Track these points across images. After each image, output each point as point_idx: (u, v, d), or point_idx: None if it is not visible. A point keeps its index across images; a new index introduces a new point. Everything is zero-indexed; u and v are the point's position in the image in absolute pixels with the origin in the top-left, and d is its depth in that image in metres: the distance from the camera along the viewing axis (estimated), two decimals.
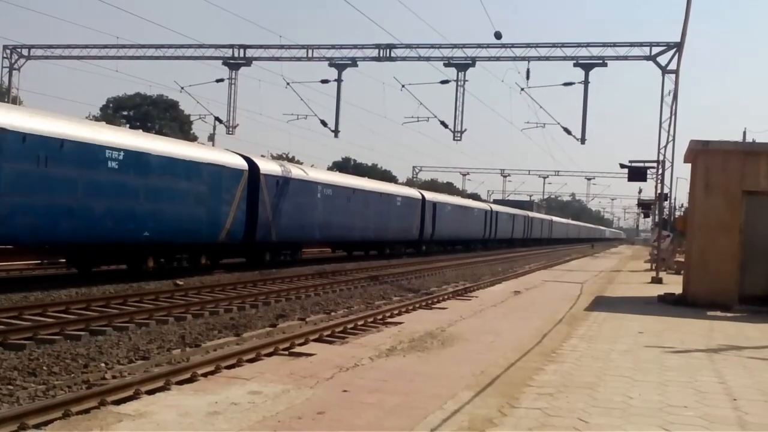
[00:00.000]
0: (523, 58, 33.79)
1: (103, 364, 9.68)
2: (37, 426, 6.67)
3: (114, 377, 9.01)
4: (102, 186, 18.52)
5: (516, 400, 7.97)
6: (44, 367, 9.20)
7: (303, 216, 28.92)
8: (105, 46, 38.54)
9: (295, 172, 29.53)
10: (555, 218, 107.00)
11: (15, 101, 37.67)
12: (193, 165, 22.17)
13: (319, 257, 36.14)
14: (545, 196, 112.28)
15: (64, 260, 21.73)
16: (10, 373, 8.84)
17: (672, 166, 30.47)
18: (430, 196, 47.40)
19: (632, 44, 32.65)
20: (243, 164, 24.97)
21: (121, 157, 19.06)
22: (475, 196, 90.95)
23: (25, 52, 40.00)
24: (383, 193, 39.27)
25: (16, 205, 16.22)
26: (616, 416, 7.49)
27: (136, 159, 19.66)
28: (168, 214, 20.96)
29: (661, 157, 31.10)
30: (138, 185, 19.76)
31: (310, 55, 36.20)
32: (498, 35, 29.83)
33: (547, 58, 33.79)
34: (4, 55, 39.65)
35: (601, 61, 33.14)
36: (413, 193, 45.56)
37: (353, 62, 36.00)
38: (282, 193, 27.20)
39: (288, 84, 36.40)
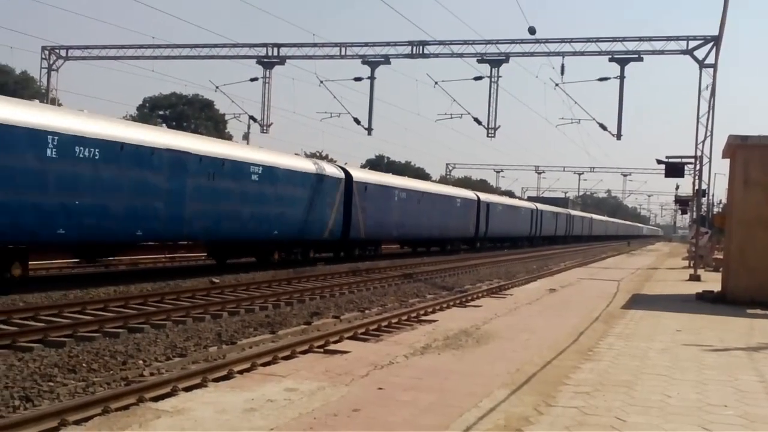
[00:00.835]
0: (557, 54, 33.54)
1: (141, 361, 9.79)
2: (77, 422, 6.76)
3: (152, 374, 9.10)
4: (248, 195, 23.27)
5: (552, 398, 7.92)
6: (84, 364, 9.33)
7: (384, 217, 33.54)
8: (141, 46, 39.00)
9: (377, 178, 34.50)
10: (595, 216, 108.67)
11: (53, 102, 38.25)
12: (306, 175, 26.98)
13: (392, 252, 39.39)
14: (580, 193, 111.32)
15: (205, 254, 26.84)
16: (51, 369, 8.98)
17: (710, 161, 30.11)
18: (484, 197, 51.54)
19: (669, 38, 32.22)
20: (340, 173, 29.82)
21: (260, 172, 23.89)
22: (509, 194, 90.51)
23: (63, 52, 40.61)
24: (446, 195, 43.63)
25: (195, 211, 20.82)
26: (654, 415, 7.40)
27: (269, 172, 24.36)
28: (290, 216, 25.69)
29: (699, 153, 30.71)
30: (270, 193, 24.49)
31: (343, 53, 36.28)
32: (532, 30, 29.63)
33: (582, 53, 33.48)
34: (43, 56, 40.29)
35: (636, 56, 32.75)
36: (470, 194, 49.17)
37: (386, 59, 36.00)
38: (368, 197, 31.61)
39: (321, 82, 36.58)
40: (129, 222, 18.59)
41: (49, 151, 16.08)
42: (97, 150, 17.32)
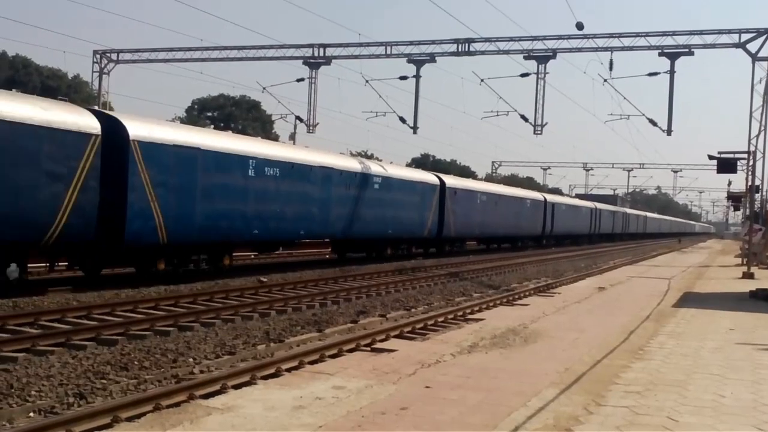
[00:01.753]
0: (605, 49, 33.01)
1: (191, 359, 9.92)
2: (129, 419, 6.87)
3: (202, 372, 9.22)
4: (371, 201, 28.55)
5: (602, 397, 7.83)
6: (135, 362, 9.48)
7: (468, 218, 38.32)
8: (190, 49, 39.48)
9: (464, 184, 40.17)
10: (648, 214, 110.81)
11: (105, 106, 38.99)
12: (412, 184, 32.75)
13: (473, 249, 44.53)
14: (629, 190, 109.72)
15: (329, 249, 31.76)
16: (104, 367, 9.15)
17: (764, 157, 29.34)
18: (550, 198, 56.19)
19: (720, 31, 31.50)
20: (436, 181, 35.32)
21: (380, 182, 29.51)
22: (556, 191, 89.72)
23: (113, 56, 41.33)
24: (518, 197, 48.38)
25: (337, 215, 26.11)
26: (707, 415, 7.27)
27: (386, 182, 29.98)
28: (400, 217, 31.05)
29: (752, 148, 29.96)
30: (387, 199, 29.83)
31: (388, 51, 36.25)
32: (580, 26, 29.24)
33: (631, 48, 32.92)
34: (94, 60, 41.05)
35: (687, 50, 32.09)
36: (538, 196, 53.76)
37: (431, 58, 35.85)
38: (457, 201, 36.55)
39: (367, 81, 36.55)
40: (296, 224, 23.67)
41: (250, 171, 20.97)
42: (277, 169, 22.18)
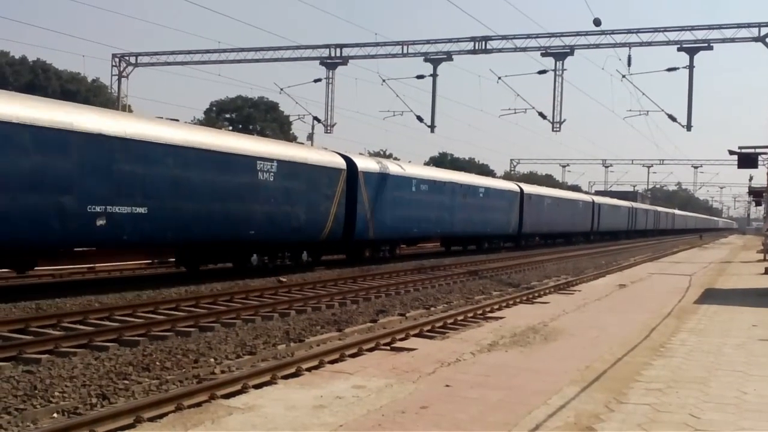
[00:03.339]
0: (623, 45, 32.85)
1: (212, 359, 9.97)
2: (151, 419, 6.92)
3: (223, 372, 9.27)
4: (477, 206, 35.96)
5: (623, 395, 7.79)
6: (157, 363, 9.54)
7: (538, 217, 45.91)
8: (207, 51, 39.73)
9: (535, 190, 47.83)
10: (677, 211, 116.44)
11: (125, 108, 39.27)
12: (502, 191, 40.57)
13: (539, 244, 49.95)
14: (649, 186, 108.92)
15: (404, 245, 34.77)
16: (126, 368, 9.21)
17: None
18: (597, 199, 64.44)
19: (739, 25, 31.26)
20: (517, 188, 43.35)
21: (483, 191, 37.36)
22: (575, 188, 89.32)
23: (132, 59, 41.63)
24: (572, 200, 56.56)
25: (459, 219, 33.91)
26: (730, 412, 7.22)
27: (486, 191, 37.84)
28: (494, 219, 38.80)
29: None
30: (486, 205, 37.40)
31: (405, 51, 36.28)
32: (597, 22, 29.12)
33: (649, 44, 32.75)
34: (113, 63, 41.38)
35: (706, 45, 31.86)
36: (588, 198, 62.43)
37: (448, 56, 35.82)
38: (531, 204, 44.39)
39: (384, 81, 36.60)
40: (436, 225, 32.08)
41: (413, 188, 29.70)
42: (426, 185, 30.80)
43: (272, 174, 20.85)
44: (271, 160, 20.86)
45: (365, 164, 26.47)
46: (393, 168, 28.82)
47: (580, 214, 57.23)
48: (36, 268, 16.79)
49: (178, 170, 17.64)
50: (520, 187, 44.12)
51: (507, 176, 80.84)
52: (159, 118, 19.04)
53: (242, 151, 19.98)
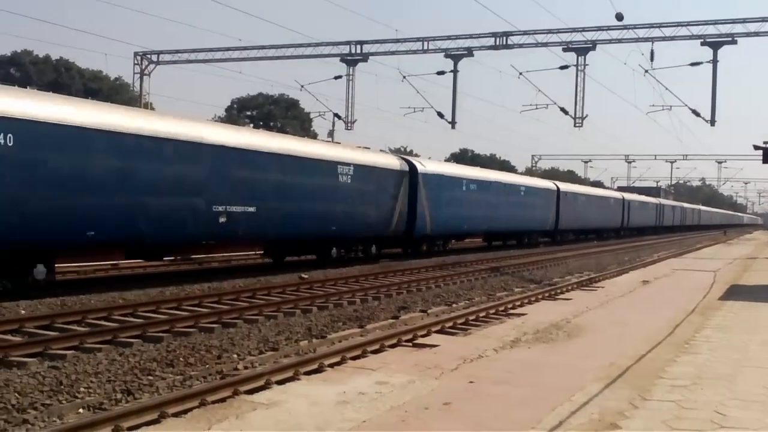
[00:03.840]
0: (646, 39, 32.58)
1: (235, 355, 10.02)
2: (175, 414, 6.96)
3: (246, 368, 9.30)
4: (518, 203, 38.38)
5: (648, 392, 7.73)
6: (181, 359, 9.59)
7: (573, 213, 48.30)
8: (228, 49, 39.84)
9: (571, 188, 50.77)
10: (702, 207, 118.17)
11: (146, 106, 39.51)
12: (539, 189, 42.82)
13: (576, 239, 52.62)
14: (673, 182, 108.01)
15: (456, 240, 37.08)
16: (150, 364, 9.27)
17: None
18: (627, 196, 66.89)
19: (764, 19, 30.89)
20: (554, 187, 45.39)
21: (524, 189, 39.77)
22: (597, 184, 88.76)
23: (154, 57, 41.88)
24: (604, 197, 59.39)
25: (508, 214, 36.82)
26: (757, 410, 7.14)
27: (527, 189, 40.21)
28: (533, 215, 41.27)
29: None
30: (528, 202, 40.08)
31: (425, 47, 36.20)
32: (619, 16, 28.90)
33: (672, 38, 32.46)
34: (135, 62, 41.64)
35: (730, 39, 31.53)
36: (618, 195, 64.92)
37: (469, 52, 35.69)
38: (566, 201, 46.53)
39: (404, 77, 36.56)
40: (482, 222, 34.46)
41: (464, 188, 32.24)
42: (474, 185, 33.32)
43: (350, 177, 23.70)
44: (348, 164, 23.70)
45: (424, 166, 29.36)
46: (447, 169, 32.09)
47: (612, 210, 59.85)
48: (60, 265, 17.07)
49: (279, 175, 20.41)
50: (556, 185, 46.39)
51: (528, 172, 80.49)
52: (258, 130, 24.17)
53: (327, 157, 22.95)
